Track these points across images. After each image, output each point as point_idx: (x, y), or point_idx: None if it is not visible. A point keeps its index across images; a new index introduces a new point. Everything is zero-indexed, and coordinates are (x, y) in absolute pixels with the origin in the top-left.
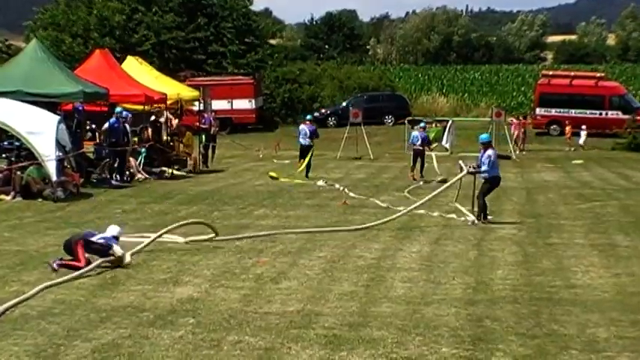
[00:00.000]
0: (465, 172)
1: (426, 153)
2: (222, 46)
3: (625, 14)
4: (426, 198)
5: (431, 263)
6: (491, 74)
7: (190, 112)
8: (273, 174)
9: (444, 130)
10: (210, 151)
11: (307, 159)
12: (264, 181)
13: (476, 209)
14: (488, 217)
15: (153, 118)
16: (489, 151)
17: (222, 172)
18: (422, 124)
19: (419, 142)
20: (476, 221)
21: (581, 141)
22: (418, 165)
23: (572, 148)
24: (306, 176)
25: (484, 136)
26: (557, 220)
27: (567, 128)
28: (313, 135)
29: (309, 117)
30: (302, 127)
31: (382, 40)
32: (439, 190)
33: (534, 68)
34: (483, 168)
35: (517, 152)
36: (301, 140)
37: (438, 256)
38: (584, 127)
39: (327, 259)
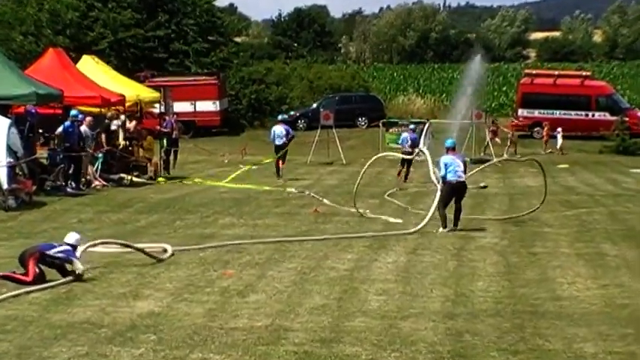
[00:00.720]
0: (439, 191)
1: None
2: (185, 45)
3: (612, 9)
4: (430, 212)
5: (408, 274)
6: None
7: (151, 114)
8: (161, 179)
9: (421, 133)
10: (172, 157)
11: (279, 155)
12: (230, 188)
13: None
14: (445, 228)
15: (106, 121)
16: (446, 156)
17: (185, 179)
18: (412, 126)
19: (408, 144)
20: (441, 229)
21: (558, 145)
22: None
23: (548, 151)
24: (278, 175)
25: (449, 142)
26: (541, 228)
27: (545, 130)
28: (288, 135)
29: (281, 117)
30: (275, 127)
31: (355, 38)
32: (435, 204)
33: (516, 67)
34: (440, 173)
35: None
36: (276, 141)
37: (416, 266)
38: (559, 129)
39: (298, 271)
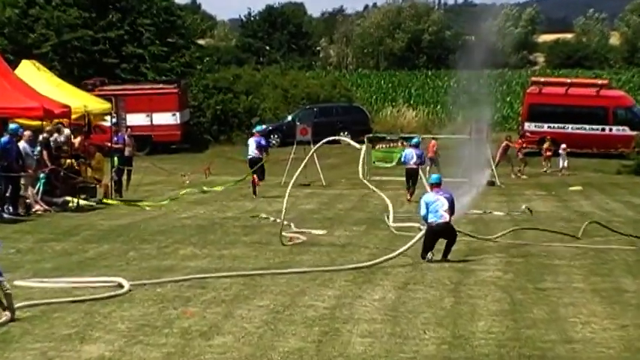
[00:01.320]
0: (422, 232)
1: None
2: (140, 48)
3: (630, 7)
4: (412, 241)
5: (397, 313)
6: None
7: (100, 128)
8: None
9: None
10: (124, 177)
11: (253, 170)
12: (192, 213)
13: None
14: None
15: (44, 135)
16: (428, 194)
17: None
18: (415, 140)
19: (413, 161)
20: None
21: (562, 163)
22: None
23: (549, 170)
24: (254, 194)
25: (434, 177)
26: (550, 260)
27: (545, 144)
28: (262, 147)
29: (258, 128)
30: (251, 140)
31: (336, 40)
32: (419, 235)
33: (522, 74)
34: (421, 213)
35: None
36: (250, 153)
37: (406, 304)
38: (563, 146)
39: (270, 309)
